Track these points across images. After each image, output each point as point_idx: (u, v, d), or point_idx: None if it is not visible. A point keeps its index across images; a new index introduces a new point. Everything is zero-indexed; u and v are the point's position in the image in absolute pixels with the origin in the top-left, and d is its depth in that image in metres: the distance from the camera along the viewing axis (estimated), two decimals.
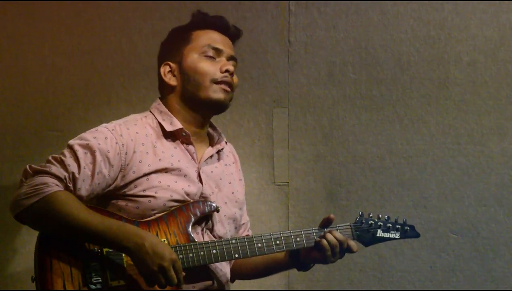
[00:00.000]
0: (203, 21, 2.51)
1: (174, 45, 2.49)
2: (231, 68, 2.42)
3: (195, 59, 2.43)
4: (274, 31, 3.23)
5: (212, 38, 2.46)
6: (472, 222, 3.24)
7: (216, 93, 2.39)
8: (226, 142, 2.55)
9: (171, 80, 2.45)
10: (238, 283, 2.62)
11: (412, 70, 3.25)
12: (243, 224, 2.60)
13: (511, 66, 3.26)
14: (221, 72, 2.41)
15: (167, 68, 2.46)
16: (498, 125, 3.25)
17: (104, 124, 2.36)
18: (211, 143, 2.51)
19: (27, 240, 3.03)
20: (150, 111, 2.46)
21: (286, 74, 3.23)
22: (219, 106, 2.43)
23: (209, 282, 2.34)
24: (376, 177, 3.23)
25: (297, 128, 3.23)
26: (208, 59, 2.43)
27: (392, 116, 3.25)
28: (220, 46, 2.45)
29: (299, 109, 3.23)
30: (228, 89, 2.41)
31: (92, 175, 2.23)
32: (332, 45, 3.24)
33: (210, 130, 2.53)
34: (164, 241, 2.25)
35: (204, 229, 2.37)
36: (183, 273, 2.18)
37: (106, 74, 3.16)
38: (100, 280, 2.15)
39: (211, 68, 2.41)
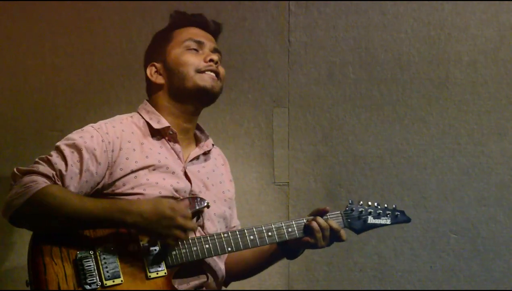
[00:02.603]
0: (182, 20, 2.57)
1: (157, 46, 2.54)
2: (215, 57, 2.46)
3: (178, 53, 2.47)
4: (274, 31, 3.23)
5: (192, 32, 2.52)
6: (472, 222, 3.24)
7: (203, 81, 2.43)
8: (213, 145, 2.56)
9: (158, 79, 2.49)
10: (238, 282, 2.61)
11: (412, 70, 3.25)
12: (234, 227, 2.60)
13: (511, 66, 3.26)
14: (205, 61, 2.45)
15: (153, 69, 2.51)
16: (498, 125, 3.25)
17: (90, 124, 2.39)
18: (198, 145, 2.53)
19: (27, 240, 3.02)
20: (137, 112, 2.49)
21: (286, 74, 3.23)
22: (207, 94, 2.44)
23: (203, 278, 2.34)
24: (376, 177, 3.23)
25: (297, 128, 3.23)
26: (191, 52, 2.47)
27: (392, 116, 3.25)
28: (201, 39, 2.50)
29: (299, 109, 3.23)
30: (214, 77, 2.45)
31: (80, 173, 2.25)
32: (332, 45, 3.24)
33: (198, 133, 2.56)
34: None
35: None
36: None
37: (106, 74, 3.16)
38: (95, 280, 2.15)
39: (194, 59, 2.45)
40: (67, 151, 2.26)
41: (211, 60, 2.45)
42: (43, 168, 2.21)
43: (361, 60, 3.25)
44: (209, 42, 2.51)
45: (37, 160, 2.25)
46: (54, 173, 2.21)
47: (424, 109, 3.25)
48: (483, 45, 3.25)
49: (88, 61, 3.15)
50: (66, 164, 2.23)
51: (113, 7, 3.16)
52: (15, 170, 2.21)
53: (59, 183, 2.22)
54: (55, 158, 2.24)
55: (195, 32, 2.52)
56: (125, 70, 3.17)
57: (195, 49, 2.48)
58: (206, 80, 2.43)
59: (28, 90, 3.12)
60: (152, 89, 2.53)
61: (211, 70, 2.45)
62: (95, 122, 2.41)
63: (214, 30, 2.58)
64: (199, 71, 2.44)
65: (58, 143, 2.29)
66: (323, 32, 3.24)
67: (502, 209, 3.24)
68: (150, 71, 2.51)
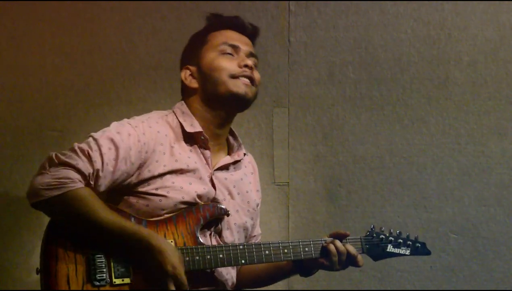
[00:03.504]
0: (218, 22, 2.51)
1: (192, 49, 2.50)
2: (249, 62, 2.41)
3: (212, 57, 2.43)
4: (274, 31, 3.23)
5: (228, 36, 2.47)
6: (472, 222, 3.24)
7: (236, 87, 2.38)
8: (245, 154, 2.53)
9: (192, 83, 2.45)
10: None
11: (412, 70, 3.25)
12: (254, 236, 2.59)
13: (511, 66, 3.26)
14: (240, 67, 2.40)
15: (188, 72, 2.47)
16: (498, 125, 3.25)
17: (127, 120, 2.36)
18: (230, 152, 2.51)
19: (27, 240, 3.03)
20: (173, 111, 2.46)
21: (286, 74, 3.23)
22: (241, 100, 2.40)
23: (213, 285, 2.33)
24: (376, 177, 3.23)
25: (297, 128, 3.23)
26: (226, 56, 2.43)
27: (392, 116, 3.25)
28: (237, 43, 2.45)
29: (299, 109, 3.23)
30: (248, 83, 2.40)
31: (113, 172, 2.24)
32: (332, 45, 3.24)
33: (231, 139, 2.53)
34: (172, 242, 2.25)
35: (213, 233, 2.37)
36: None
37: (106, 74, 3.16)
38: (104, 277, 2.16)
39: (229, 64, 2.41)
40: (105, 148, 2.23)
41: (245, 65, 2.40)
42: (83, 164, 2.18)
43: (361, 60, 3.25)
44: (245, 46, 2.46)
45: (76, 149, 2.21)
46: (91, 172, 2.19)
47: (424, 109, 3.25)
48: (483, 45, 3.26)
49: (88, 61, 3.15)
50: (103, 163, 2.22)
51: (113, 7, 3.16)
52: (53, 155, 2.18)
53: (93, 182, 2.20)
54: (94, 153, 2.21)
55: (231, 36, 2.47)
56: (125, 70, 3.17)
57: (230, 54, 2.43)
58: (240, 86, 2.38)
59: (28, 90, 3.11)
60: (186, 92, 2.49)
61: (245, 76, 2.40)
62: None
63: (251, 33, 2.53)
64: (233, 76, 2.39)
65: (96, 136, 2.26)
66: (323, 32, 3.24)
67: (502, 209, 3.24)
68: (185, 74, 2.47)
